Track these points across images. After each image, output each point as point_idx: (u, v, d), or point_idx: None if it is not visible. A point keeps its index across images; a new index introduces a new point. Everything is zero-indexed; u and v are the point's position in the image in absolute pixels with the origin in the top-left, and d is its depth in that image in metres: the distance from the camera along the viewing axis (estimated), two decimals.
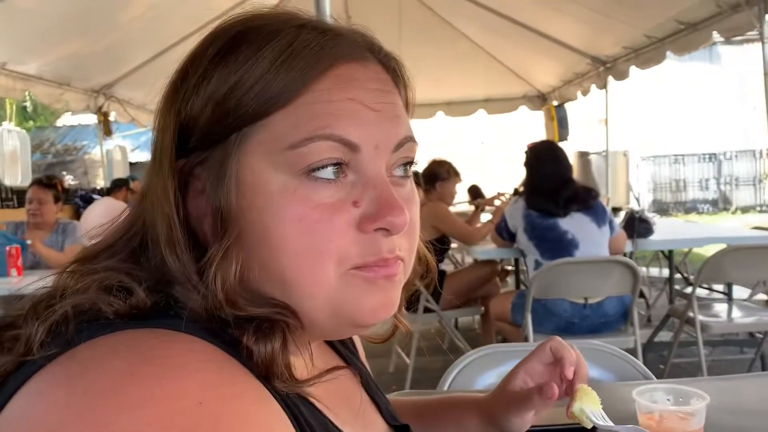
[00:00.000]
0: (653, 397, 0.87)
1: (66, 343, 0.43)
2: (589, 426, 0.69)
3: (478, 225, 4.15)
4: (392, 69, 0.59)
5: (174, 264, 0.50)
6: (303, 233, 0.50)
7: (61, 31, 4.83)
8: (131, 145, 16.23)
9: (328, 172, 0.50)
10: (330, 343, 0.72)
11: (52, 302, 0.47)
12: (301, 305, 0.52)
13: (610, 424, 0.69)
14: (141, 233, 0.53)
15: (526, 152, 3.40)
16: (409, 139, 0.56)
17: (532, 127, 8.64)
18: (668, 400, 0.87)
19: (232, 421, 0.40)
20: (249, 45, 0.51)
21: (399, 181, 0.56)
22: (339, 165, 0.51)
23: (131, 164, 15.81)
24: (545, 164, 3.26)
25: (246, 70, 0.50)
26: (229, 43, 0.52)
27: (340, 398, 0.63)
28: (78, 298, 0.47)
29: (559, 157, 3.33)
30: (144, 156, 16.29)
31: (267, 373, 0.48)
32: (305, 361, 0.55)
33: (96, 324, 0.45)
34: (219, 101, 0.50)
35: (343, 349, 0.73)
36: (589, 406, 0.70)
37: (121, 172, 11.51)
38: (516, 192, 3.73)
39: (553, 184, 3.17)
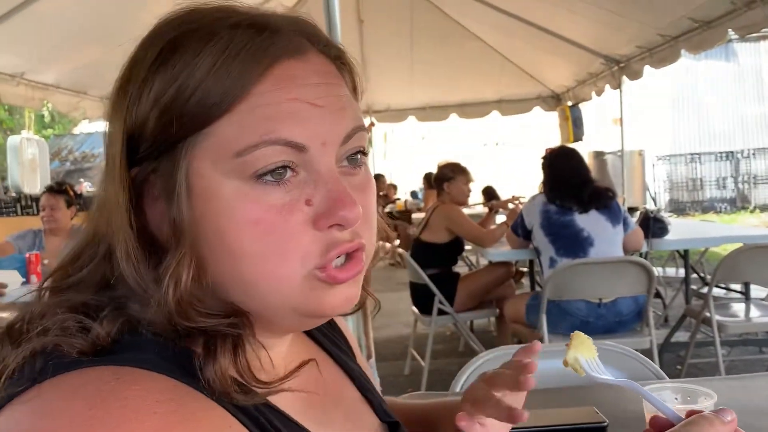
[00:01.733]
0: (661, 396, 0.87)
1: (32, 379, 0.44)
2: (583, 375, 0.66)
3: (492, 227, 4.15)
4: (335, 57, 0.57)
5: (131, 276, 0.50)
6: (261, 235, 0.50)
7: (77, 40, 4.90)
8: None
9: (278, 174, 0.50)
10: (320, 344, 0.72)
11: (23, 330, 0.49)
12: (266, 303, 0.52)
13: (606, 374, 0.66)
14: (104, 243, 0.53)
15: (545, 157, 3.42)
16: (358, 130, 0.55)
17: (547, 127, 8.60)
18: (676, 399, 0.87)
19: None
20: (186, 50, 0.50)
21: (350, 170, 0.55)
22: (287, 167, 0.51)
23: None
24: (566, 161, 3.30)
25: (185, 77, 0.49)
26: (167, 47, 0.51)
27: (327, 399, 0.64)
28: (41, 341, 0.47)
29: (579, 158, 3.38)
30: None
31: (221, 392, 0.48)
32: (281, 359, 0.57)
33: (61, 361, 0.46)
34: (162, 110, 0.50)
35: (334, 349, 0.73)
36: (584, 355, 0.67)
37: None
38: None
39: (575, 179, 3.20)
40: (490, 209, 4.42)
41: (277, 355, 0.59)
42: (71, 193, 4.01)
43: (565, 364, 0.67)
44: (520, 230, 3.35)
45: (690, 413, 0.58)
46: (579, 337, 0.69)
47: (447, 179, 4.12)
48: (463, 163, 4.29)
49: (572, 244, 3.11)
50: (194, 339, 0.50)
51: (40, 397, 0.43)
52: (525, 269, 4.65)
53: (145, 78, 0.51)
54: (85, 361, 0.45)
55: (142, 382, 0.45)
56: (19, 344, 0.47)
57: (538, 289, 3.81)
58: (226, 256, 0.50)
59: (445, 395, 1.31)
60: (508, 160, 15.37)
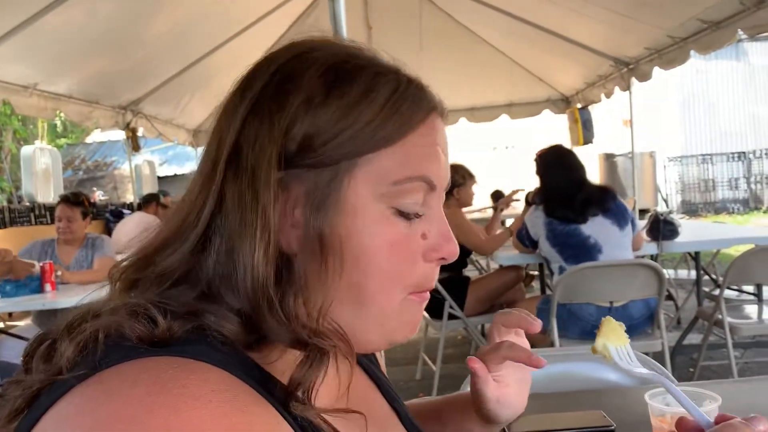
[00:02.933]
0: (666, 399, 0.87)
1: (93, 365, 0.46)
2: (611, 363, 0.66)
3: (499, 231, 4.13)
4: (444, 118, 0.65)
5: (249, 278, 0.52)
6: (393, 256, 0.56)
7: (88, 51, 4.96)
8: (159, 160, 16.49)
9: (416, 208, 0.57)
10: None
11: (85, 321, 0.51)
12: (366, 323, 0.57)
13: (638, 365, 0.65)
14: (203, 235, 0.55)
15: (536, 160, 3.39)
16: None
17: (557, 130, 8.59)
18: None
19: None
20: (359, 81, 0.56)
21: None
22: (419, 215, 0.58)
23: (159, 178, 16.09)
24: (555, 170, 3.25)
25: (363, 108, 0.55)
26: (335, 74, 0.56)
27: (361, 409, 0.65)
28: (106, 320, 0.50)
29: (568, 160, 3.31)
30: (172, 170, 16.55)
31: (289, 395, 0.50)
32: (339, 382, 0.60)
33: (121, 348, 0.48)
34: (335, 129, 0.54)
35: (363, 359, 0.75)
36: (614, 343, 0.67)
37: (149, 187, 11.67)
38: (527, 201, 3.70)
39: (567, 189, 3.16)
40: (495, 210, 4.40)
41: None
42: (86, 204, 4.05)
43: (594, 351, 0.67)
44: (527, 241, 3.33)
45: (721, 418, 0.58)
46: (610, 323, 0.68)
47: (458, 185, 4.12)
48: (473, 167, 4.29)
49: (580, 252, 3.09)
50: (260, 351, 0.53)
51: (102, 383, 0.45)
52: (535, 273, 4.64)
53: (312, 96, 0.55)
54: (143, 350, 0.47)
55: (199, 372, 0.46)
56: (76, 337, 0.49)
57: (548, 292, 3.80)
58: (359, 269, 0.55)
59: None
60: (519, 164, 15.34)
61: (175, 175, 16.35)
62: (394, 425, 0.71)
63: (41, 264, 3.53)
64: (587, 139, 7.32)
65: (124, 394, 0.43)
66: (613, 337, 0.67)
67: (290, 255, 0.54)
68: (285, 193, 0.54)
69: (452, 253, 0.59)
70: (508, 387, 0.76)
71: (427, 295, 0.60)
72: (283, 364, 0.54)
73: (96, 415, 0.43)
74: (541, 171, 3.35)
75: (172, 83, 6.37)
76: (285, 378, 0.52)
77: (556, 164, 3.29)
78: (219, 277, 0.53)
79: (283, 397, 0.50)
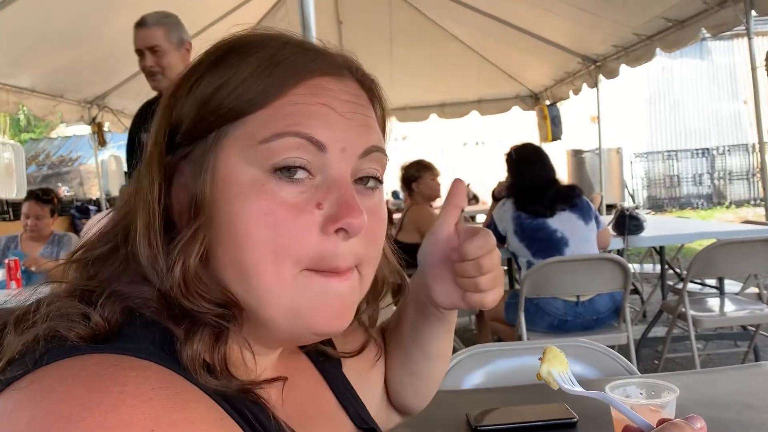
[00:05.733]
0: (626, 391, 0.89)
1: (34, 363, 0.46)
2: (556, 388, 0.68)
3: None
4: (369, 88, 0.62)
5: (145, 250, 0.54)
6: (268, 227, 0.53)
7: (52, 44, 4.86)
8: (126, 155, 16.24)
9: (293, 172, 0.54)
10: (308, 355, 0.74)
11: (29, 318, 0.50)
12: (258, 298, 0.54)
13: (578, 387, 0.68)
14: (125, 226, 0.57)
15: (509, 154, 3.43)
16: (379, 150, 0.59)
17: (526, 127, 8.66)
18: (641, 393, 0.89)
19: None
20: (236, 54, 0.56)
21: (364, 191, 0.59)
22: (303, 168, 0.54)
23: (127, 174, 15.86)
24: (530, 166, 3.30)
25: (231, 75, 0.55)
26: (220, 53, 0.57)
27: (303, 402, 0.66)
28: (43, 327, 0.49)
29: (543, 157, 3.37)
30: None
31: (190, 372, 0.50)
32: (269, 365, 0.61)
33: (62, 346, 0.47)
34: (203, 102, 0.55)
35: (318, 356, 0.75)
36: (557, 368, 0.69)
37: (116, 182, 11.48)
38: (493, 196, 3.74)
39: (539, 184, 3.22)
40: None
41: (265, 360, 0.62)
42: (56, 201, 3.97)
43: (539, 377, 0.70)
44: (494, 235, 3.37)
45: (660, 422, 0.60)
46: (552, 351, 0.71)
47: (414, 179, 4.15)
48: (443, 163, 4.31)
49: (547, 246, 3.14)
50: (180, 323, 0.53)
51: (39, 382, 0.45)
52: (504, 267, 4.69)
53: (196, 79, 0.57)
54: (83, 348, 0.47)
55: (139, 369, 0.46)
56: (23, 332, 0.49)
57: (516, 287, 3.84)
58: (233, 240, 0.53)
59: None
60: (489, 160, 15.44)
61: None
62: (341, 421, 0.71)
63: (6, 261, 3.46)
64: (556, 136, 7.41)
65: (62, 392, 0.43)
66: (555, 363, 0.70)
67: (176, 224, 0.56)
68: (179, 175, 0.57)
69: (354, 225, 0.53)
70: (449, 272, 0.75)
71: (340, 274, 0.55)
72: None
73: (33, 411, 0.42)
74: (513, 167, 3.39)
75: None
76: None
77: (528, 160, 3.34)
78: (132, 259, 0.56)
79: (191, 370, 0.50)
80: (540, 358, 0.71)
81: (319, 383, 0.72)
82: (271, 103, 0.54)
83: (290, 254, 0.53)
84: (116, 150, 14.68)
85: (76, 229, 7.04)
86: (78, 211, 8.79)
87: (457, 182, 0.75)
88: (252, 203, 0.53)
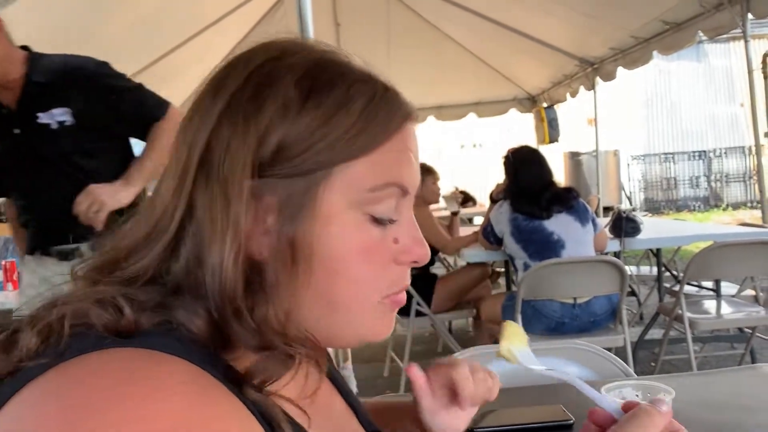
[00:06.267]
0: (622, 392, 0.90)
1: (58, 354, 0.46)
2: (515, 364, 0.68)
3: (462, 235, 4.16)
4: None
5: (218, 284, 0.51)
6: (365, 263, 0.56)
7: (44, 45, 4.85)
8: None
9: (390, 214, 0.58)
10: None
11: (49, 312, 0.50)
12: (339, 327, 0.58)
13: (540, 365, 0.68)
14: (173, 241, 0.54)
15: (507, 157, 3.44)
16: None
17: (524, 129, 8.68)
18: (637, 395, 0.90)
19: None
20: (335, 90, 0.56)
21: None
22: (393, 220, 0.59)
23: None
24: (528, 168, 3.31)
25: (339, 117, 0.55)
26: (311, 81, 0.56)
27: (318, 405, 0.65)
28: (72, 307, 0.49)
29: (540, 160, 3.38)
30: None
31: (245, 381, 0.50)
32: (304, 386, 0.60)
33: (87, 338, 0.47)
34: (311, 139, 0.54)
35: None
36: (517, 346, 0.69)
37: None
38: (491, 198, 3.75)
39: (536, 187, 3.22)
40: (453, 215, 4.41)
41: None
42: None
43: (499, 355, 0.69)
44: (492, 237, 3.38)
45: (627, 406, 0.61)
46: (511, 326, 0.71)
47: None
48: (441, 165, 4.31)
49: (544, 248, 3.15)
50: (229, 348, 0.53)
51: (67, 373, 0.45)
52: (501, 269, 4.69)
53: (288, 102, 0.54)
54: (108, 341, 0.47)
55: (166, 364, 0.46)
56: (40, 322, 0.49)
57: (513, 289, 3.85)
58: (330, 275, 0.55)
59: None
60: (486, 162, 15.47)
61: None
62: (351, 422, 0.71)
63: (3, 262, 3.45)
64: (553, 138, 7.43)
65: (91, 384, 0.43)
66: (515, 339, 0.70)
67: (261, 262, 0.54)
68: (257, 201, 0.54)
69: (423, 256, 0.60)
70: (444, 406, 0.76)
71: (401, 297, 0.61)
72: (248, 362, 0.53)
73: (62, 402, 0.42)
74: (511, 169, 3.40)
75: (137, 78, 6.25)
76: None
77: (527, 162, 3.35)
78: (187, 284, 0.53)
79: (239, 382, 0.50)
80: (498, 336, 0.70)
81: (328, 385, 0.72)
82: (377, 149, 0.56)
83: (377, 287, 0.58)
84: None
85: None
86: None
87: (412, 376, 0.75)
88: (353, 241, 0.56)
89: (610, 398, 0.62)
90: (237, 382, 0.50)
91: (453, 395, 0.75)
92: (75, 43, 5.01)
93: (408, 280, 0.61)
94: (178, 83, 7.42)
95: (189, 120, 0.57)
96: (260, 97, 0.54)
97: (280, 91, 0.54)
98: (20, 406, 0.43)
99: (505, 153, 3.49)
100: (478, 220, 6.10)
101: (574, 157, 12.31)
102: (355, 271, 0.56)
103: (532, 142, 6.89)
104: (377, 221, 0.57)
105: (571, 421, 1.12)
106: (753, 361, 3.68)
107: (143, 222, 0.56)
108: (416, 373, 0.74)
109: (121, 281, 0.53)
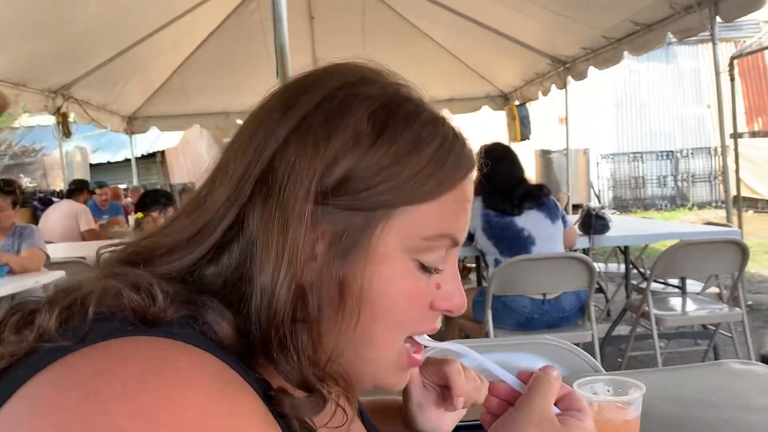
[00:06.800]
0: (594, 388, 0.91)
1: (80, 338, 0.44)
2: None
3: None
4: None
5: (264, 306, 0.51)
6: (410, 307, 0.56)
7: (15, 31, 4.74)
8: (92, 147, 15.91)
9: (438, 264, 0.57)
10: None
11: (71, 294, 0.48)
12: (364, 367, 0.57)
13: (432, 342, 0.71)
14: (214, 248, 0.53)
15: (479, 153, 3.46)
16: None
17: (495, 126, 8.73)
18: (608, 390, 0.91)
19: None
20: (409, 130, 0.55)
21: None
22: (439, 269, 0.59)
23: (92, 165, 15.54)
24: (500, 165, 3.33)
25: (410, 158, 0.54)
26: (386, 116, 0.55)
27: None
28: (105, 283, 0.48)
29: (513, 157, 3.41)
30: (105, 157, 15.98)
31: (273, 398, 0.50)
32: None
33: (110, 323, 0.46)
34: (380, 176, 0.53)
35: None
36: None
37: (81, 174, 11.23)
38: None
39: (508, 183, 3.25)
40: None
41: None
42: (18, 192, 3.88)
43: None
44: None
45: (522, 376, 0.62)
46: None
47: None
48: None
49: (514, 244, 3.18)
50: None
51: (90, 358, 0.43)
52: (472, 265, 4.72)
53: (360, 135, 0.53)
54: (132, 328, 0.46)
55: (192, 355, 0.45)
56: (64, 300, 0.47)
57: (484, 284, 3.88)
58: (375, 316, 0.55)
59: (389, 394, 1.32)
60: None
61: (108, 163, 15.80)
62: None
63: None
64: (524, 136, 7.49)
65: (115, 372, 0.42)
66: None
67: (304, 289, 0.52)
68: (313, 228, 0.52)
69: (460, 307, 0.60)
70: (433, 401, 0.76)
71: (420, 358, 0.61)
72: (271, 372, 0.52)
73: (84, 388, 0.40)
74: (485, 164, 3.41)
75: (105, 68, 6.16)
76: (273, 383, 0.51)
77: (502, 158, 3.38)
78: (222, 294, 0.52)
79: (267, 394, 0.49)
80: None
81: (358, 424, 0.71)
82: (439, 197, 0.55)
83: (408, 328, 0.58)
84: (82, 141, 14.40)
85: (37, 221, 6.88)
86: (41, 203, 8.59)
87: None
88: (403, 285, 0.55)
89: (508, 374, 0.63)
90: (265, 393, 0.49)
91: (443, 393, 0.75)
92: (48, 30, 4.91)
93: (438, 326, 0.60)
94: (149, 72, 7.33)
95: (253, 131, 0.55)
96: (333, 123, 0.53)
97: (354, 121, 0.54)
98: (39, 390, 0.42)
99: (477, 150, 3.51)
100: None
101: (545, 155, 12.43)
102: (397, 315, 0.56)
103: (504, 139, 6.94)
104: (425, 269, 0.56)
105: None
106: (716, 356, 3.76)
107: (187, 224, 0.55)
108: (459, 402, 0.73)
109: (153, 275, 0.52)
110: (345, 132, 0.53)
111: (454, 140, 0.58)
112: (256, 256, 0.51)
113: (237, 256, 0.52)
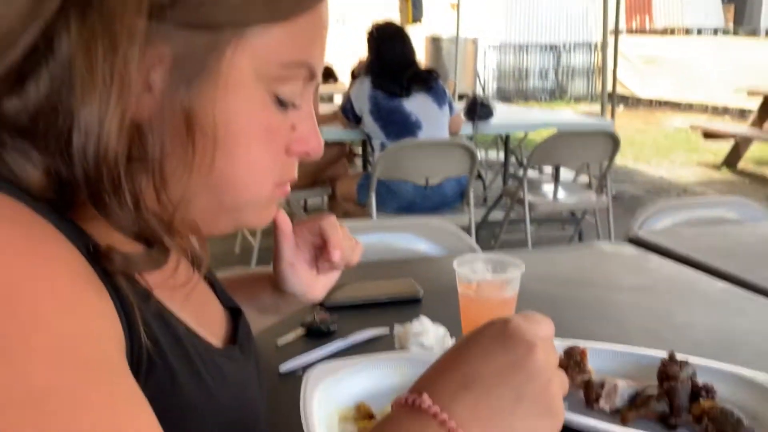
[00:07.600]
0: (474, 267, 0.91)
1: None
2: None
3: (320, 112, 4.08)
4: None
5: (91, 148, 0.41)
6: (265, 145, 0.50)
7: None
8: None
9: (294, 97, 0.50)
10: None
11: None
12: (221, 211, 0.51)
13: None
14: (16, 75, 0.41)
15: (371, 32, 3.35)
16: None
17: (387, 7, 8.49)
18: (488, 269, 0.91)
19: (35, 281, 0.36)
20: None
21: None
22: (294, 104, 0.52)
23: None
24: (392, 44, 3.26)
25: None
26: None
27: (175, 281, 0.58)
28: None
29: (404, 37, 3.35)
30: None
31: (104, 261, 0.42)
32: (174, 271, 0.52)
33: None
34: None
35: None
36: None
37: None
38: (353, 74, 3.68)
39: (398, 64, 3.20)
40: None
41: None
42: None
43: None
44: (350, 114, 3.34)
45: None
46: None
47: None
48: None
49: (402, 129, 3.18)
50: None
51: None
52: (359, 150, 4.70)
53: None
54: None
55: None
56: None
57: (370, 169, 3.88)
58: (227, 157, 0.47)
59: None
60: (350, 38, 15.14)
61: None
62: (211, 299, 0.65)
63: None
64: (416, 17, 7.36)
65: None
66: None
67: (141, 126, 0.44)
68: (147, 50, 0.42)
69: (317, 149, 0.54)
70: (306, 262, 0.72)
71: (288, 189, 0.55)
72: (98, 228, 0.44)
73: None
74: (374, 44, 3.32)
75: None
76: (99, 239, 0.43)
77: (390, 38, 3.29)
78: (33, 134, 0.41)
79: (88, 247, 0.42)
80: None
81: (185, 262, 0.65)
82: (295, 19, 0.47)
83: (272, 173, 0.52)
84: None
85: None
86: None
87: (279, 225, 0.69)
88: (259, 119, 0.49)
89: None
90: (88, 249, 0.41)
91: (317, 254, 0.71)
92: None
93: (295, 174, 0.55)
94: None
95: None
96: None
97: None
98: None
99: (368, 28, 3.38)
100: (339, 99, 6.00)
101: (436, 42, 12.35)
102: (255, 153, 0.49)
103: (395, 21, 6.77)
104: (281, 103, 0.50)
105: (420, 296, 1.14)
106: (580, 241, 4.04)
107: None
108: (282, 217, 0.68)
109: None
110: None
111: None
112: (75, 85, 0.41)
113: (47, 84, 0.41)
